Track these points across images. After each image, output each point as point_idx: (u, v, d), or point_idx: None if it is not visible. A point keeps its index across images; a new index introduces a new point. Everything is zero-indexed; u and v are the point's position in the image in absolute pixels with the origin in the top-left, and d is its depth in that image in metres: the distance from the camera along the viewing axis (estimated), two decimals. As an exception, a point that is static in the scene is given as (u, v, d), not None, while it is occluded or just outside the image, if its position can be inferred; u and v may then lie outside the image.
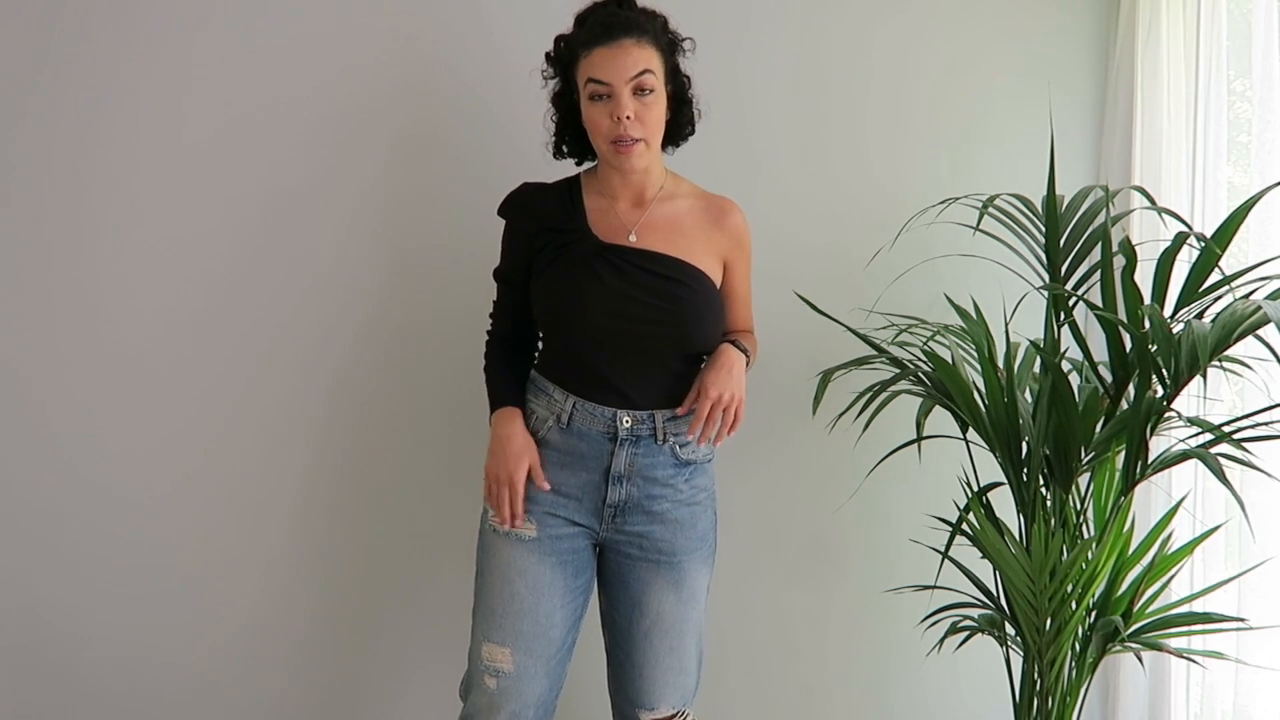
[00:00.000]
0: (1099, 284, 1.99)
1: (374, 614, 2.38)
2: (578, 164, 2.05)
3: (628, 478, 1.92)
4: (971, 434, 2.11)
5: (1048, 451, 2.01)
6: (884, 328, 2.29)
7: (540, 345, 2.03)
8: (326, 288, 2.31)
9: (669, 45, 1.92)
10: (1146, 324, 1.84)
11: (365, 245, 2.32)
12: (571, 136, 2.00)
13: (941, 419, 2.22)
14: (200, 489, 2.31)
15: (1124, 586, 2.09)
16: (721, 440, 1.93)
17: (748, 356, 1.98)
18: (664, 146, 1.99)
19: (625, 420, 1.90)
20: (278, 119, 2.28)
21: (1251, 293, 1.91)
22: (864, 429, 2.14)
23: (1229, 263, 1.98)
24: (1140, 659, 2.19)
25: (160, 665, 2.32)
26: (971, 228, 2.12)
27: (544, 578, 1.90)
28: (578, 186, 1.99)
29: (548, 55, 1.96)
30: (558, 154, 2.04)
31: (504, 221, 2.00)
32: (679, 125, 1.98)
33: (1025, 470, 2.06)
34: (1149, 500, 2.26)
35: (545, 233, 1.94)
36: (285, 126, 2.28)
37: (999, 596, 2.17)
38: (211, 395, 2.30)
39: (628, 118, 1.84)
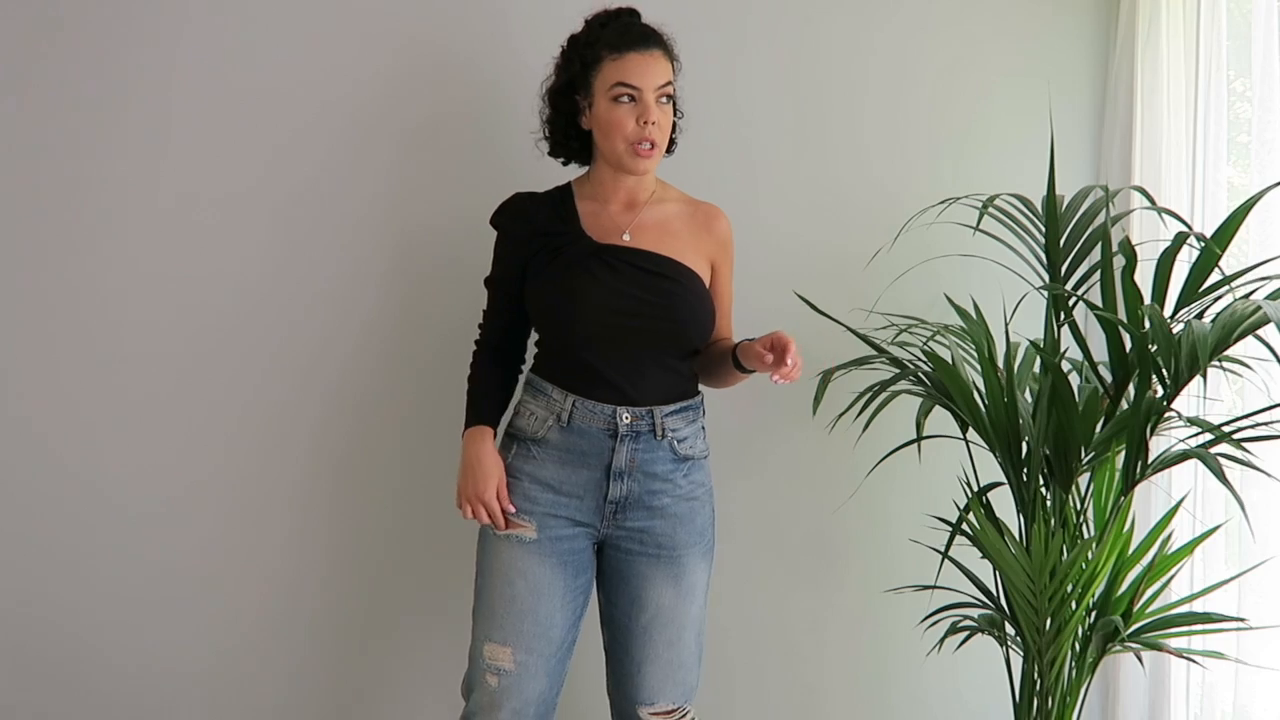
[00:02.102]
0: (1099, 284, 1.99)
1: (377, 614, 2.38)
2: (564, 164, 2.07)
3: (628, 473, 1.93)
4: (971, 434, 2.11)
5: (1048, 451, 2.01)
6: (884, 328, 2.29)
7: (537, 348, 2.04)
8: (329, 291, 2.31)
9: (675, 61, 1.98)
10: (1146, 324, 1.84)
11: (369, 247, 2.32)
12: (566, 136, 2.02)
13: (941, 419, 2.22)
14: (201, 492, 2.30)
15: (1124, 586, 2.09)
16: (794, 377, 1.85)
17: None
18: None
19: (624, 416, 1.92)
20: (285, 124, 2.28)
21: (1251, 293, 1.91)
22: (864, 429, 2.15)
23: (1229, 263, 1.98)
24: (1140, 659, 2.19)
25: (164, 669, 2.31)
26: (971, 228, 2.12)
27: (544, 578, 1.91)
28: (569, 193, 2.02)
29: (564, 52, 1.98)
30: (554, 150, 2.06)
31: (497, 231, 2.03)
32: (672, 137, 2.03)
33: (1025, 470, 2.06)
34: (1149, 500, 2.26)
35: (539, 237, 1.97)
36: (291, 131, 2.28)
37: (999, 596, 2.17)
38: (212, 399, 2.29)
39: (653, 122, 1.89)
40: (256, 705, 2.35)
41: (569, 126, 2.01)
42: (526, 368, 2.07)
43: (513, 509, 1.93)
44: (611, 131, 1.92)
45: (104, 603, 2.29)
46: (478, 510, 1.93)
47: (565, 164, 2.07)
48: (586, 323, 1.91)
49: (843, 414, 2.20)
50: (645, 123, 1.90)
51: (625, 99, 1.90)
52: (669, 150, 2.05)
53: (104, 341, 2.26)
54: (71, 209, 2.23)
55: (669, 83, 1.93)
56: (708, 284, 2.02)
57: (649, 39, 1.92)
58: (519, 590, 1.90)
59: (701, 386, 2.05)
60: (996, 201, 2.10)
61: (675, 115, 2.03)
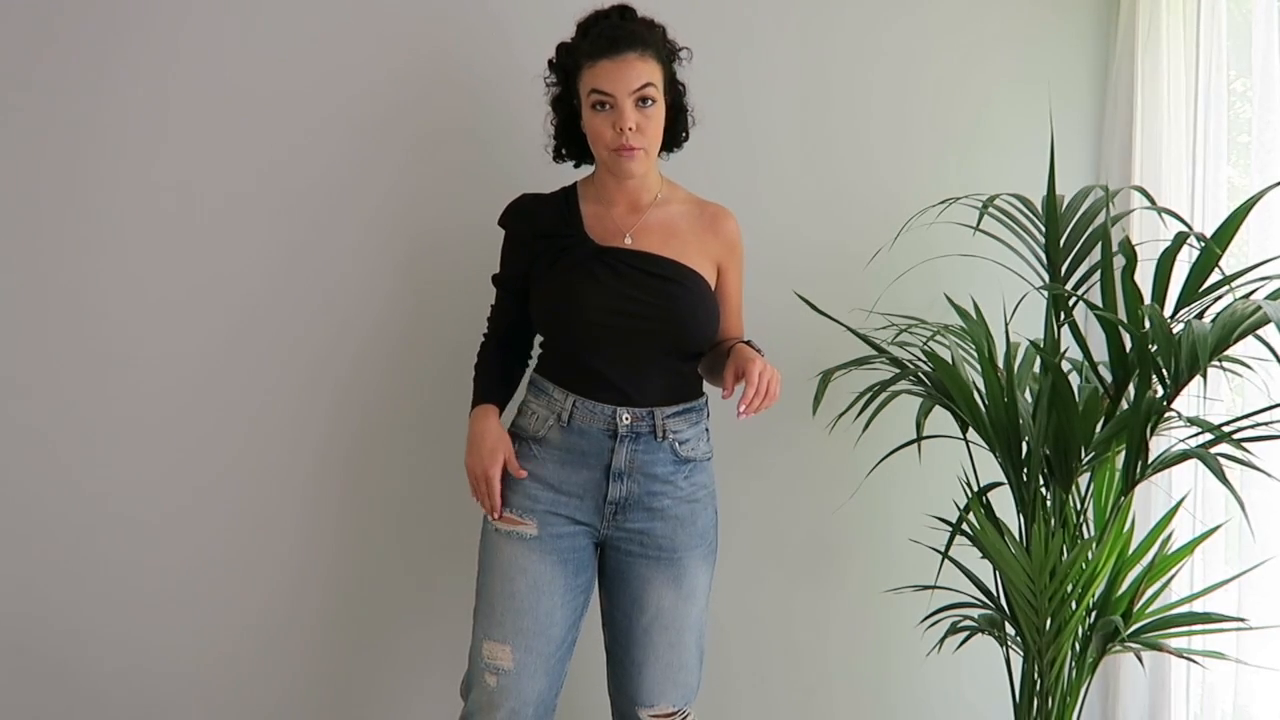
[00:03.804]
0: (1099, 284, 1.99)
1: (377, 615, 2.39)
2: (575, 166, 2.08)
3: (628, 474, 1.93)
4: (971, 434, 2.11)
5: (1048, 451, 2.01)
6: (884, 328, 2.29)
7: (540, 347, 2.04)
8: (336, 295, 2.31)
9: (668, 55, 1.96)
10: (1146, 324, 1.84)
11: (376, 252, 2.32)
12: (571, 140, 2.03)
13: (941, 419, 2.22)
14: (206, 494, 2.31)
15: (1124, 586, 2.09)
16: (764, 409, 1.87)
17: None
18: (659, 152, 2.01)
19: (625, 417, 1.92)
20: (286, 125, 2.28)
21: (1251, 293, 1.91)
22: (864, 429, 2.15)
23: (1229, 263, 1.98)
24: (1140, 659, 2.19)
25: (165, 670, 2.32)
26: (972, 228, 2.12)
27: (544, 576, 1.91)
28: (574, 194, 2.02)
29: (550, 63, 1.99)
30: (557, 157, 2.07)
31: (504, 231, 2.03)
32: (675, 132, 2.02)
33: (1025, 470, 2.06)
34: (1149, 500, 2.26)
35: (543, 239, 1.97)
36: (292, 132, 2.28)
37: (999, 596, 2.17)
38: (217, 403, 2.30)
39: (630, 129, 1.88)
40: (257, 705, 2.35)
41: (568, 131, 2.02)
42: (533, 364, 2.07)
43: (524, 474, 1.92)
44: (594, 138, 1.93)
45: (106, 605, 2.29)
46: (479, 486, 1.92)
47: (577, 166, 2.08)
48: (587, 324, 1.91)
49: (843, 414, 2.20)
50: (621, 129, 1.88)
51: (602, 106, 1.89)
52: (679, 144, 2.05)
53: (110, 346, 2.26)
54: (75, 214, 2.23)
55: (647, 84, 1.89)
56: (713, 285, 2.01)
57: (620, 43, 1.88)
58: (519, 588, 1.90)
59: (707, 387, 2.05)
60: (997, 201, 2.10)
61: (684, 107, 2.01)
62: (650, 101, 1.90)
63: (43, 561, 2.26)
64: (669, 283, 1.94)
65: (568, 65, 1.95)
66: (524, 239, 1.99)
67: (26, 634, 2.27)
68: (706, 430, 2.02)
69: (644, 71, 1.89)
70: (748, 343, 1.99)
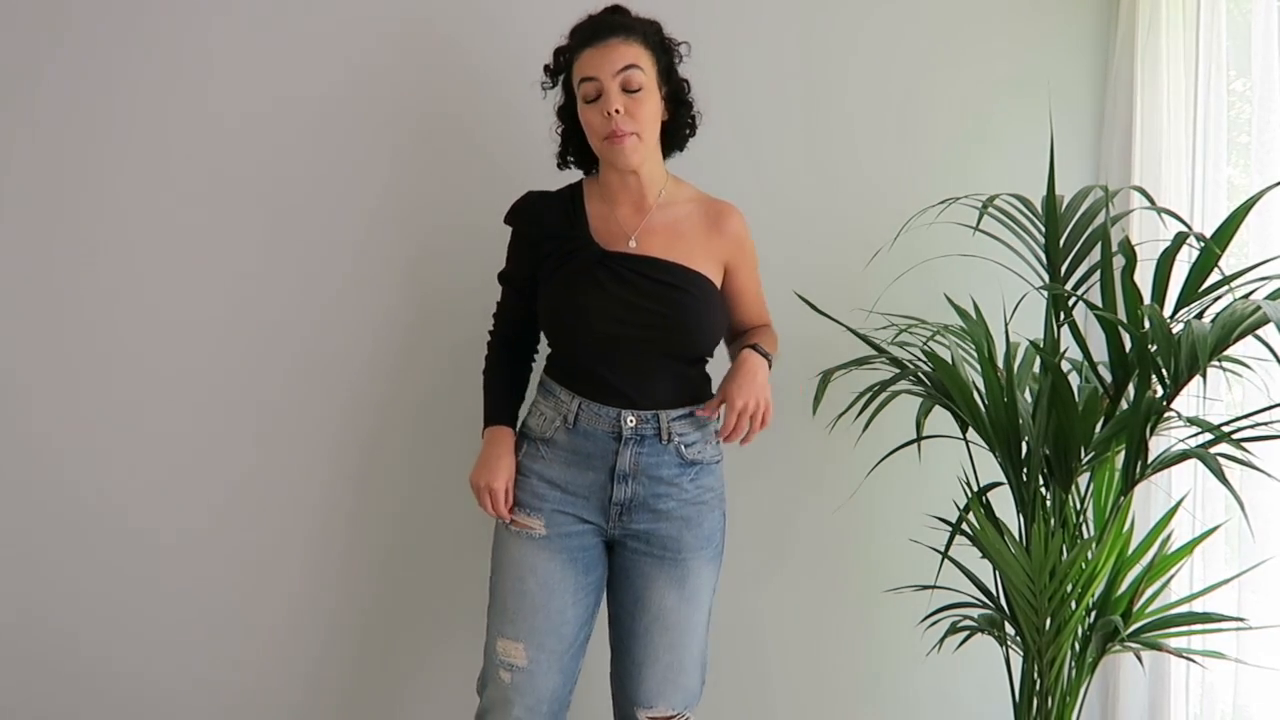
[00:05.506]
0: (1099, 284, 1.99)
1: (393, 613, 2.39)
2: (586, 174, 2.08)
3: (633, 476, 1.93)
4: (971, 434, 2.11)
5: (1047, 451, 2.01)
6: (884, 328, 2.29)
7: (548, 347, 2.04)
8: (338, 292, 2.32)
9: (661, 47, 1.96)
10: (1146, 324, 1.84)
11: (379, 248, 2.33)
12: (575, 147, 2.04)
13: (941, 419, 2.22)
14: (215, 497, 2.32)
15: (1124, 586, 2.09)
16: (751, 440, 1.94)
17: (769, 359, 2.00)
18: (665, 151, 2.01)
19: (629, 420, 1.92)
20: (287, 124, 2.29)
21: (1251, 293, 1.91)
22: (864, 429, 2.15)
23: (1229, 263, 1.98)
24: (1140, 659, 2.19)
25: (167, 667, 2.32)
26: (971, 228, 2.12)
27: (555, 574, 1.92)
28: (580, 193, 2.02)
29: (546, 68, 2.00)
30: (562, 164, 2.07)
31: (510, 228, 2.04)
32: (678, 128, 2.02)
33: (1025, 470, 2.06)
34: (1149, 500, 2.26)
35: (549, 240, 1.97)
36: (294, 131, 2.29)
37: (999, 596, 2.17)
38: (224, 401, 2.31)
39: (616, 111, 1.87)
40: (271, 707, 2.36)
41: (572, 138, 2.03)
42: (540, 359, 2.08)
43: (507, 519, 1.94)
44: (588, 131, 1.93)
45: (117, 613, 2.30)
46: (482, 498, 1.94)
47: (587, 174, 2.08)
48: (591, 332, 1.92)
49: (843, 414, 2.20)
50: (608, 113, 1.88)
51: (592, 95, 1.90)
52: (684, 140, 2.04)
53: (113, 350, 2.28)
54: (77, 210, 2.24)
55: (631, 66, 1.88)
56: (720, 284, 2.01)
57: (602, 31, 1.90)
58: (530, 587, 1.92)
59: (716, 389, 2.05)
60: (996, 201, 2.10)
61: (686, 102, 2.00)
62: (637, 86, 1.89)
63: (53, 571, 2.28)
64: (674, 289, 1.94)
65: (560, 64, 1.96)
66: (531, 239, 1.99)
67: (35, 641, 2.27)
68: (715, 433, 2.02)
69: (627, 54, 1.88)
70: (758, 347, 1.98)
